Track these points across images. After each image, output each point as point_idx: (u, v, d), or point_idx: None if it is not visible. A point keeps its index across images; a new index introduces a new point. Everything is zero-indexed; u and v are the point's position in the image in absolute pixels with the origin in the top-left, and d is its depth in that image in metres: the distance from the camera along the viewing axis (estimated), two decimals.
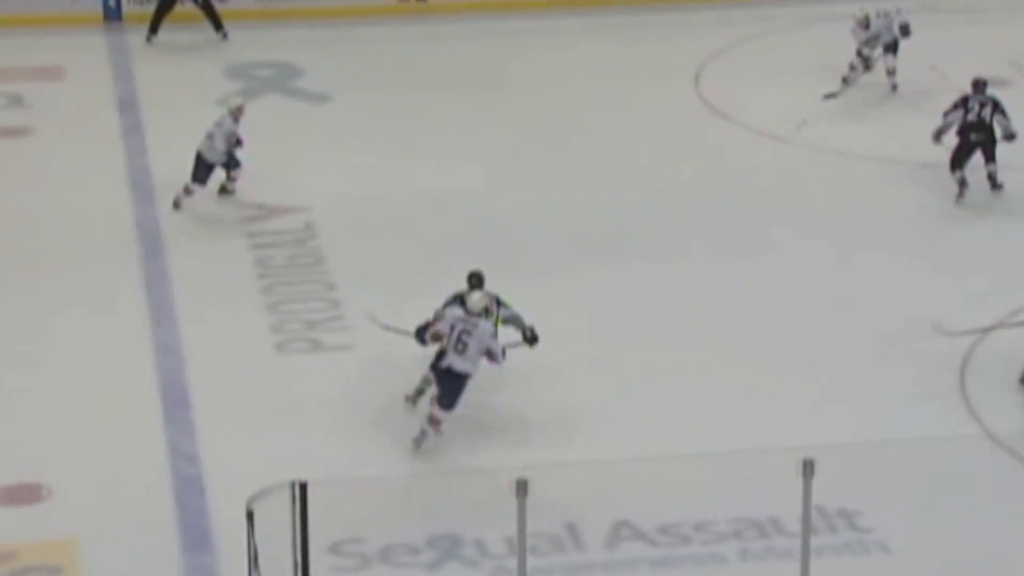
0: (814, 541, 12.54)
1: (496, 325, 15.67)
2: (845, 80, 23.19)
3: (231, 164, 20.00)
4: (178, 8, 25.54)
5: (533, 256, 18.91)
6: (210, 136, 19.73)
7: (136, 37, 25.73)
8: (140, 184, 20.87)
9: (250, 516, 12.04)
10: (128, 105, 23.43)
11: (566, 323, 17.20)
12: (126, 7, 26.46)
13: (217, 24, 25.65)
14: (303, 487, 11.61)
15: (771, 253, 19.00)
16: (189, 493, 14.46)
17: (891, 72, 23.38)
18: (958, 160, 20.04)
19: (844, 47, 22.96)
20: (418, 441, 15.12)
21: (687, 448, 14.71)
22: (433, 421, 15.13)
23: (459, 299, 15.80)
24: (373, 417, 15.77)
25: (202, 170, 19.77)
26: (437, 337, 15.29)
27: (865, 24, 22.96)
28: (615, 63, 24.81)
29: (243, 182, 20.05)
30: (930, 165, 20.66)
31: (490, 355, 15.16)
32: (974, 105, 20.01)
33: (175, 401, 16.06)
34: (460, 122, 22.75)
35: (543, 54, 25.24)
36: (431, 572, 13.45)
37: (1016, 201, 20.17)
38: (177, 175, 19.87)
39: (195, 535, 13.85)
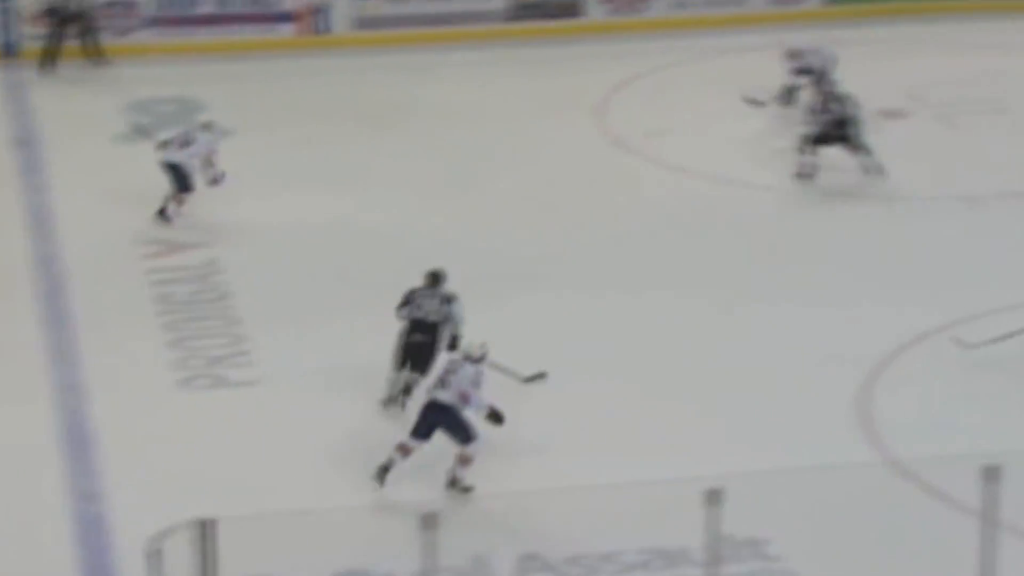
0: (722, 570, 12.56)
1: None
2: (772, 100, 23.53)
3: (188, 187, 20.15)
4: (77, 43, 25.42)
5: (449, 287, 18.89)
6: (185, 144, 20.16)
7: (33, 73, 25.55)
8: (39, 222, 20.69)
9: (155, 555, 11.91)
10: (25, 142, 23.24)
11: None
12: (23, 43, 26.24)
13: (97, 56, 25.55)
14: (210, 524, 11.51)
15: (679, 285, 19.04)
16: (92, 533, 14.30)
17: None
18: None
19: (749, 78, 23.12)
20: (456, 484, 14.87)
21: (595, 479, 14.70)
22: (463, 461, 14.89)
23: (411, 296, 16.26)
24: (279, 452, 15.66)
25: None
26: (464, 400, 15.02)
27: (797, 56, 23.17)
28: (520, 97, 24.89)
29: (144, 219, 19.93)
30: (830, 194, 20.85)
31: (464, 398, 14.91)
32: None
33: (77, 440, 15.87)
34: (366, 156, 22.72)
35: (448, 88, 25.26)
36: None
37: (903, 234, 20.35)
38: (77, 212, 19.71)
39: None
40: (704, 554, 12.24)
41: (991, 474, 11.98)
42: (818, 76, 23.03)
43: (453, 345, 16.05)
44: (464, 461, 14.92)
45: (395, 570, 13.41)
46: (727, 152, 22.43)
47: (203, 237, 20.16)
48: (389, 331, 17.66)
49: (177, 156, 20.29)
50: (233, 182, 21.74)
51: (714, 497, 11.80)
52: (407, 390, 16.28)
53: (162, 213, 20.27)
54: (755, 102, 23.12)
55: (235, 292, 18.91)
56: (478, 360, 15.05)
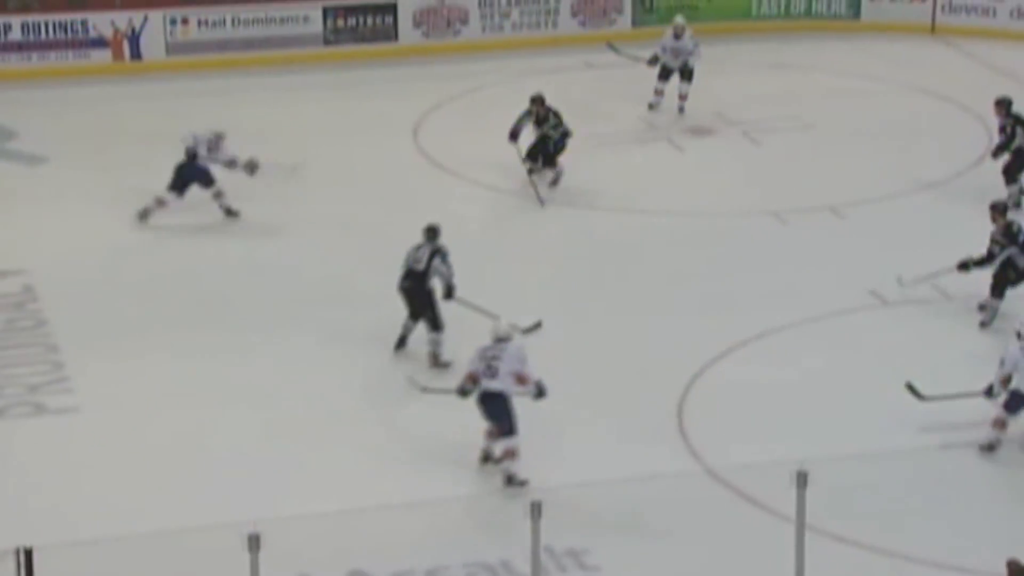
0: None
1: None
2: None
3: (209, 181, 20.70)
4: None
5: (262, 310, 18.86)
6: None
7: None
8: None
9: None
10: None
11: (293, 375, 17.23)
12: None
13: None
14: (28, 553, 11.39)
15: (487, 298, 19.09)
16: None
17: (683, 96, 24.67)
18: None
19: (557, 97, 23.32)
20: (512, 481, 15.08)
21: (416, 496, 14.75)
22: (508, 454, 15.14)
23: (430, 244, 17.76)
24: (100, 478, 15.54)
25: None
26: (473, 379, 15.34)
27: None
28: (336, 119, 24.86)
29: None
30: (638, 211, 21.09)
31: (520, 379, 15.24)
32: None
33: None
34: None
35: (263, 112, 25.13)
36: None
37: (713, 248, 20.68)
38: None
39: None
40: (527, 565, 12.34)
41: (801, 479, 12.25)
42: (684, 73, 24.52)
43: (449, 294, 17.76)
44: (511, 455, 15.19)
45: None
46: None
47: (17, 264, 19.89)
48: (207, 351, 17.69)
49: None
50: (46, 209, 21.58)
51: (536, 510, 11.90)
52: (402, 340, 17.84)
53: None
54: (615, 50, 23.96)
55: (51, 319, 18.70)
56: (506, 339, 15.42)
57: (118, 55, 26.75)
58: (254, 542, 11.50)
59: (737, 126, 24.33)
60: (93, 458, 15.92)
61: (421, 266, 17.69)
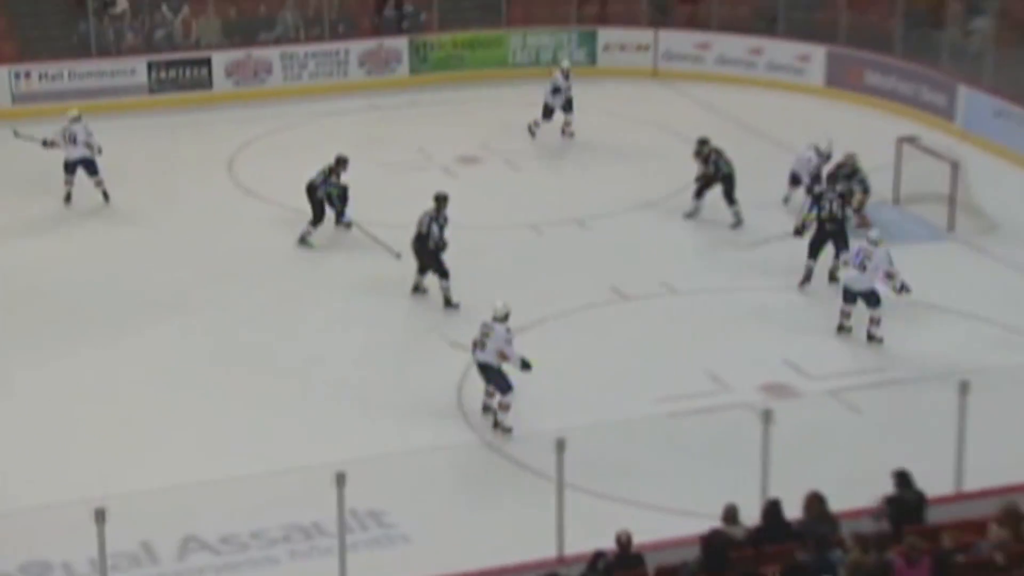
0: (349, 539, 12.62)
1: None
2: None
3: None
4: None
5: (104, 319, 18.54)
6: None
7: None
8: None
9: None
10: None
11: (131, 373, 16.96)
12: None
13: None
14: None
15: (296, 310, 19.02)
16: None
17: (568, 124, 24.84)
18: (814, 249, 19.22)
19: (347, 133, 23.18)
20: (498, 426, 15.74)
21: (238, 470, 14.60)
22: (502, 407, 15.66)
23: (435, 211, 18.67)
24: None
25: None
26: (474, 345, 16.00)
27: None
28: (161, 155, 24.47)
29: None
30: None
31: (502, 356, 15.61)
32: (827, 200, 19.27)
33: None
34: (27, 213, 22.06)
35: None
36: None
37: (484, 256, 20.75)
38: None
39: None
40: (335, 526, 12.27)
41: (560, 445, 12.35)
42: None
43: (437, 250, 18.60)
44: (504, 408, 15.64)
45: (72, 559, 13.13)
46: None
47: None
48: (71, 358, 17.26)
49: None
50: None
51: (341, 479, 11.85)
52: (416, 286, 18.96)
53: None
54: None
55: None
56: (503, 319, 15.73)
57: None
58: (100, 516, 11.28)
59: (499, 155, 24.44)
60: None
61: (424, 229, 18.57)
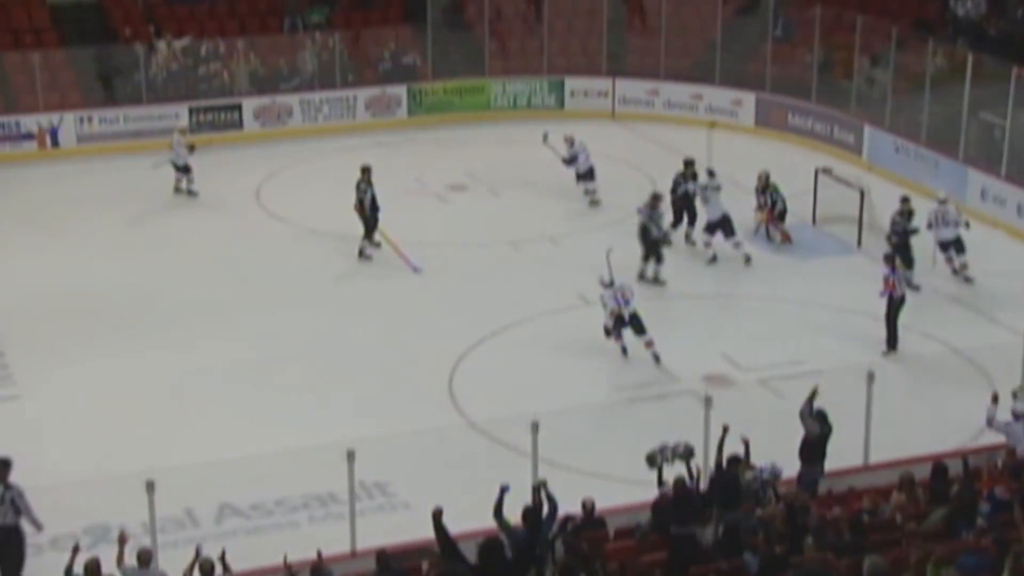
0: (359, 506, 12.65)
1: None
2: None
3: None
4: None
5: (151, 321, 18.49)
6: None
7: None
8: None
9: None
10: None
11: (174, 365, 16.88)
12: None
13: None
14: None
15: (314, 311, 18.98)
16: None
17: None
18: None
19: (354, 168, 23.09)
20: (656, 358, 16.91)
21: (265, 448, 14.56)
22: (649, 344, 17.02)
23: None
24: (37, 443, 15.06)
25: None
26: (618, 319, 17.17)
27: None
28: (199, 185, 24.26)
29: None
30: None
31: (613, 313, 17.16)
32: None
33: None
34: (91, 232, 21.93)
35: (147, 182, 24.42)
36: (89, 552, 12.82)
37: (461, 270, 20.69)
38: None
39: None
40: (347, 495, 12.26)
41: (534, 427, 12.34)
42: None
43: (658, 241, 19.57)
44: (650, 344, 17.04)
45: (128, 522, 13.04)
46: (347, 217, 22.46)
47: None
48: (123, 355, 17.20)
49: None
50: None
51: (351, 456, 11.84)
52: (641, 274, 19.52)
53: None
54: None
55: None
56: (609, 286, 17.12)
57: (42, 144, 25.96)
58: (150, 487, 11.26)
59: (484, 183, 24.43)
60: (29, 429, 15.46)
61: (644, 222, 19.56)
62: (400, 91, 28.22)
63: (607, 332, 17.32)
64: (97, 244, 21.46)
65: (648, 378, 16.68)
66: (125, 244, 21.46)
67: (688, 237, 21.11)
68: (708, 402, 12.92)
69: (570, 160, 23.28)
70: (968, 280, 19.58)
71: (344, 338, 18.06)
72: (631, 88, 28.73)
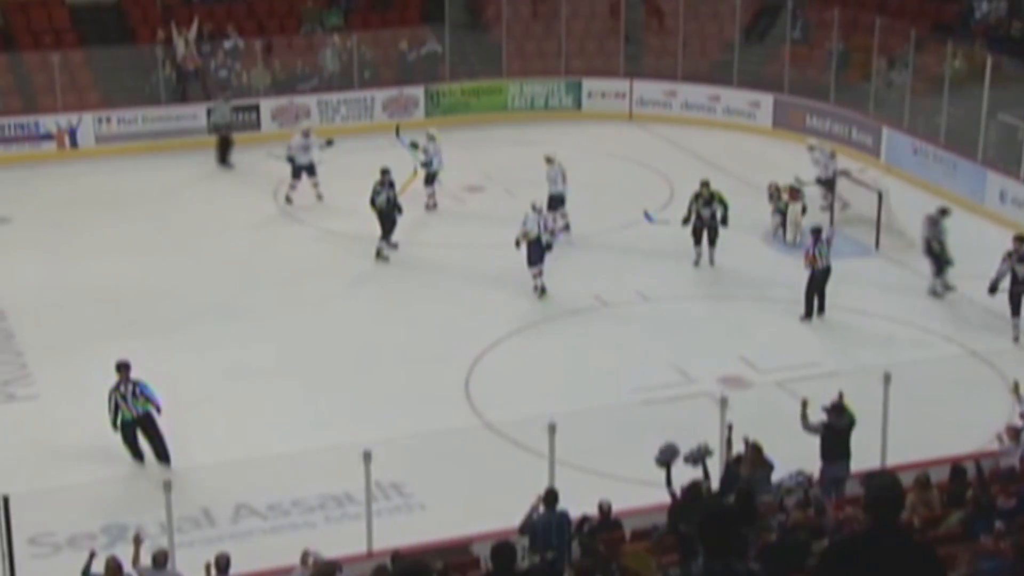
0: (375, 506, 12.65)
1: None
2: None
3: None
4: None
5: (167, 321, 18.51)
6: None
7: None
8: None
9: None
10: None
11: (191, 367, 16.93)
12: None
13: None
14: (6, 499, 11.05)
15: (330, 310, 19.01)
16: None
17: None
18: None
19: (375, 164, 23.11)
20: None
21: (281, 448, 14.59)
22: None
23: None
24: (58, 445, 15.16)
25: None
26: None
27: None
28: (218, 185, 24.47)
29: None
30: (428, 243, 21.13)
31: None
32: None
33: None
34: (110, 232, 22.04)
35: (164, 182, 24.66)
36: (106, 551, 12.88)
37: (484, 267, 20.71)
38: None
39: None
40: (363, 496, 12.27)
41: (551, 429, 12.34)
42: None
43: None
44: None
45: (145, 522, 13.11)
46: (365, 218, 22.49)
47: None
48: (140, 355, 17.23)
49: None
50: (11, 255, 20.94)
51: (367, 456, 11.85)
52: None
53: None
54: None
55: (16, 334, 18.16)
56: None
57: (61, 145, 26.07)
58: (167, 486, 11.28)
59: (500, 184, 24.44)
60: (50, 431, 15.51)
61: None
62: (418, 92, 28.27)
63: (516, 243, 18.98)
64: (115, 244, 21.50)
65: (664, 380, 16.66)
66: (143, 244, 21.51)
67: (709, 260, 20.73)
68: (724, 404, 12.90)
69: (426, 163, 22.99)
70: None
71: (361, 339, 18.08)
72: (649, 89, 28.72)
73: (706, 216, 20.14)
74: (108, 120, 26.37)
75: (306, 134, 23.56)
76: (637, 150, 26.39)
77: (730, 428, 12.64)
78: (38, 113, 26.18)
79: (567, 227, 21.30)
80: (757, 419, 13.10)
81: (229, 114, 25.55)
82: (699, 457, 12.14)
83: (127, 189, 24.23)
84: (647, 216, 20.50)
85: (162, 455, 14.59)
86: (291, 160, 23.41)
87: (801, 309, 18.60)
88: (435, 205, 23.01)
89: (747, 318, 18.97)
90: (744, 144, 26.61)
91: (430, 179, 23.00)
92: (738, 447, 12.73)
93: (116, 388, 14.56)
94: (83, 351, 17.49)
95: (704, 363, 17.12)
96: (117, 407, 14.49)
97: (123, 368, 14.63)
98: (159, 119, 26.65)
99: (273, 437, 15.17)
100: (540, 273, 18.94)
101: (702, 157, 24.44)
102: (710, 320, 18.97)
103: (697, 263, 20.11)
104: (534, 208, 19.34)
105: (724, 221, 20.11)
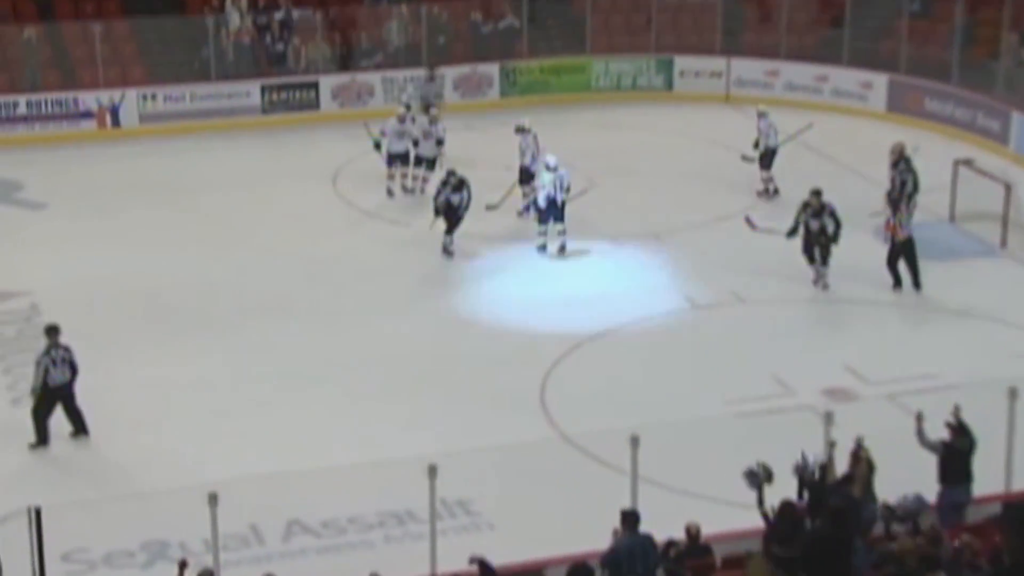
0: (439, 525, 12.65)
1: None
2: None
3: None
4: None
5: (216, 318, 18.69)
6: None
7: None
8: None
9: None
10: None
11: (240, 369, 17.07)
12: None
13: None
14: (38, 512, 11.19)
15: (393, 311, 19.09)
16: None
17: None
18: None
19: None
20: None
21: (338, 460, 14.67)
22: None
23: None
24: (93, 449, 15.34)
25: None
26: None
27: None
28: (273, 171, 24.70)
29: None
30: (501, 239, 21.14)
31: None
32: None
33: None
34: (151, 220, 22.32)
35: (213, 165, 24.97)
36: (145, 571, 13.10)
37: (567, 264, 20.69)
38: None
39: None
40: (427, 513, 12.29)
41: (634, 442, 12.29)
42: None
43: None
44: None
45: (188, 538, 13.25)
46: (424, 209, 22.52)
47: (25, 287, 19.58)
48: (176, 351, 17.46)
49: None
50: (48, 244, 21.26)
51: (432, 470, 11.88)
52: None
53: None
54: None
55: None
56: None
57: (102, 124, 26.42)
58: (213, 499, 11.37)
59: (583, 173, 24.33)
60: (84, 437, 15.70)
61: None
62: (492, 69, 28.33)
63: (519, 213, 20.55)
64: (159, 233, 21.75)
65: (761, 391, 16.55)
66: (189, 234, 21.74)
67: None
68: (828, 418, 12.78)
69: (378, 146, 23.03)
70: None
71: (427, 341, 18.13)
72: (748, 68, 28.56)
73: (814, 229, 19.31)
74: (153, 97, 26.70)
75: (402, 118, 23.20)
76: (734, 136, 26.21)
77: (832, 445, 12.53)
78: (77, 89, 26.55)
79: (535, 203, 21.08)
80: (865, 436, 12.94)
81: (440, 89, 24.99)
82: (760, 479, 12.00)
83: (174, 173, 24.51)
84: (749, 222, 20.27)
85: (81, 428, 15.46)
86: (377, 146, 23.06)
87: (921, 315, 18.38)
88: (769, 192, 22.90)
89: (855, 322, 18.79)
90: (855, 130, 26.35)
91: (767, 161, 22.81)
92: (840, 467, 12.58)
93: (47, 352, 15.33)
94: (121, 349, 17.70)
95: (806, 372, 16.99)
96: (47, 372, 15.25)
97: (52, 332, 15.49)
98: (209, 97, 26.95)
99: (328, 448, 15.26)
100: (564, 232, 20.50)
101: (807, 144, 24.21)
102: (813, 324, 18.81)
103: (816, 283, 19.50)
104: (549, 167, 20.58)
105: (835, 238, 19.44)
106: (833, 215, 19.34)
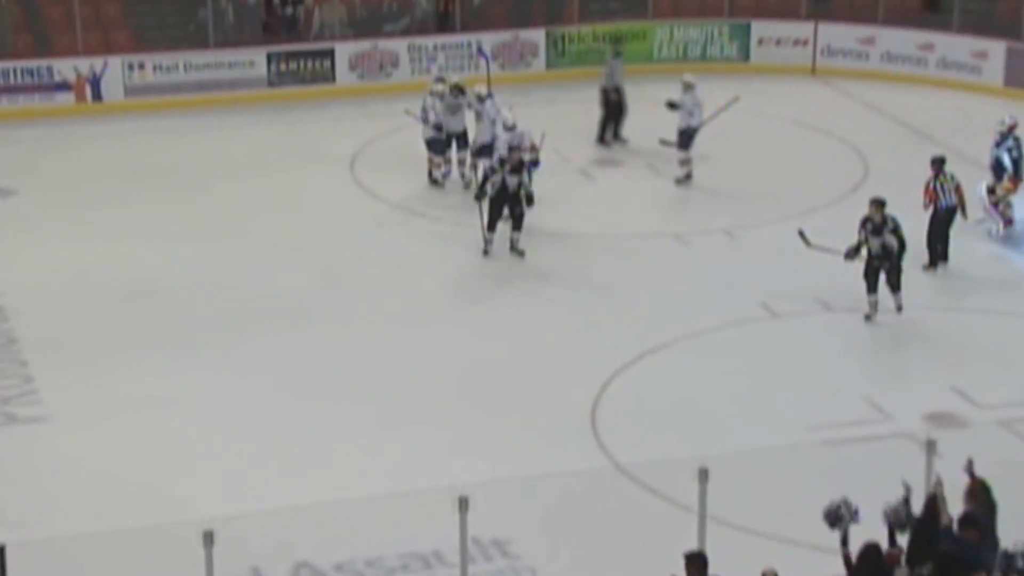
0: (472, 569, 12.69)
1: None
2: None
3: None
4: None
5: (214, 325, 18.79)
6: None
7: None
8: None
9: None
10: None
11: (245, 385, 17.17)
12: None
13: None
14: (2, 549, 11.28)
15: (421, 319, 19.15)
16: None
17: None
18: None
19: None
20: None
21: (355, 492, 14.74)
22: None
23: None
24: (69, 482, 15.45)
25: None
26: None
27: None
28: (280, 153, 24.85)
29: None
30: (544, 233, 21.20)
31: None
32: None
33: None
34: (139, 209, 22.48)
35: (211, 147, 25.13)
36: None
37: (623, 267, 20.75)
38: None
39: None
40: (457, 555, 12.34)
41: (703, 475, 12.30)
42: None
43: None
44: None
45: None
46: (461, 201, 22.59)
47: None
48: (165, 363, 17.57)
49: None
50: (16, 238, 21.43)
51: (464, 504, 11.92)
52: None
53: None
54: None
55: (21, 337, 18.55)
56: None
57: (80, 97, 26.62)
58: (208, 538, 11.44)
59: (642, 158, 24.44)
60: (60, 462, 15.82)
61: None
62: (537, 36, 28.42)
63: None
64: (147, 226, 21.91)
65: (852, 415, 16.55)
66: (182, 227, 21.90)
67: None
68: (931, 447, 12.77)
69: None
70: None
71: (459, 355, 18.20)
72: (838, 35, 28.55)
73: (874, 248, 18.76)
74: (141, 66, 26.89)
75: (457, 91, 23.07)
76: (822, 115, 26.24)
77: (939, 481, 12.52)
78: (52, 57, 26.76)
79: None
80: (975, 468, 12.92)
81: (620, 72, 25.13)
82: (838, 517, 11.99)
83: (164, 156, 24.67)
84: (803, 236, 19.63)
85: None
86: (439, 128, 22.99)
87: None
88: (688, 177, 23.30)
89: (962, 337, 18.73)
90: (966, 107, 26.28)
91: (685, 140, 23.18)
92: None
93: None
94: (104, 362, 17.82)
95: (905, 394, 16.99)
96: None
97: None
98: (206, 66, 27.13)
99: (343, 478, 15.34)
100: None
101: (909, 124, 24.23)
102: (913, 339, 18.77)
103: (870, 318, 18.95)
104: (506, 126, 21.79)
105: (899, 260, 18.88)
106: (896, 231, 18.74)
